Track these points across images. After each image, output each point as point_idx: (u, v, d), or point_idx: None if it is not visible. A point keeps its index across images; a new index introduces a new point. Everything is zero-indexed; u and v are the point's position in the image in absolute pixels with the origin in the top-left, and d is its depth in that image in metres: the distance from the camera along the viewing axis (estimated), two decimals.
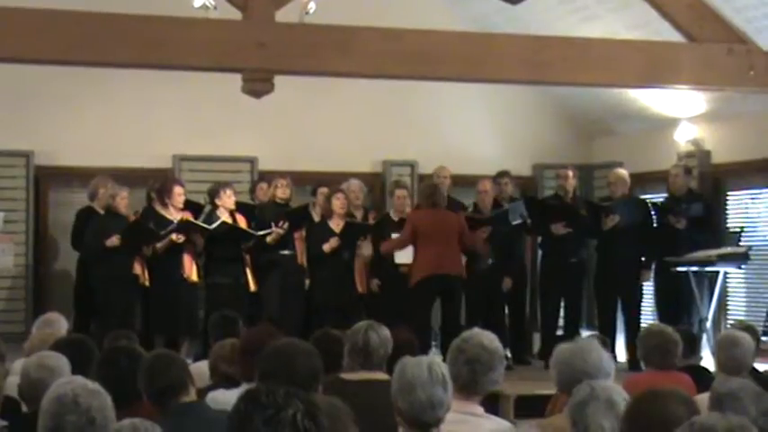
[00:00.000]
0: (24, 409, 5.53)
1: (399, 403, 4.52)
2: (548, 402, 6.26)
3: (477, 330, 5.28)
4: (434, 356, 4.86)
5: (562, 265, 12.41)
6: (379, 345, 5.96)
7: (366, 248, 11.96)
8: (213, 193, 11.84)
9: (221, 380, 6.43)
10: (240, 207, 12.03)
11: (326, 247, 11.65)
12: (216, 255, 11.71)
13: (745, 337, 6.71)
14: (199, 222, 11.59)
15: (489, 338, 5.18)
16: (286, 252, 11.91)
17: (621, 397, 4.35)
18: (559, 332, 12.53)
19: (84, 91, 12.75)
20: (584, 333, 11.61)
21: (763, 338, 8.18)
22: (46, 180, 13.11)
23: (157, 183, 12.00)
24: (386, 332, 6.06)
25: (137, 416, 4.17)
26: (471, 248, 11.66)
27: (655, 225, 12.28)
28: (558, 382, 5.32)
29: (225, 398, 5.53)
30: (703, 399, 5.86)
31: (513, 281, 12.45)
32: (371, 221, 12.23)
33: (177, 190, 11.72)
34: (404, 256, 11.67)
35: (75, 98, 12.86)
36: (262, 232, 11.69)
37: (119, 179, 11.99)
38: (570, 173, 12.66)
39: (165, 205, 11.70)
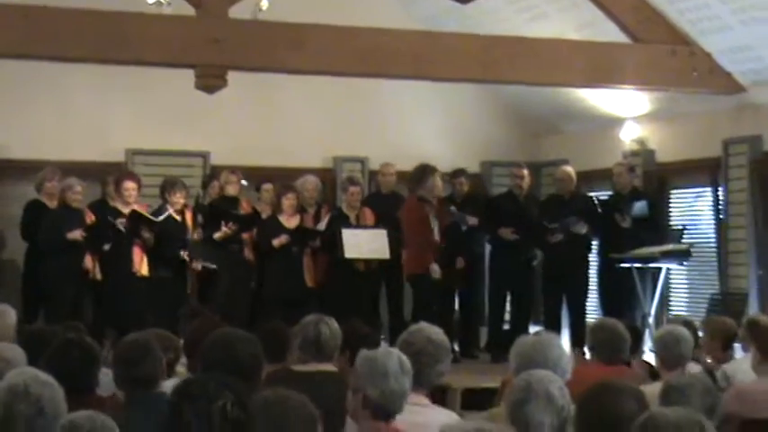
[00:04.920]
0: None
1: (370, 392, 4.53)
2: (494, 396, 6.31)
3: (423, 324, 5.32)
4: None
5: (510, 263, 12.47)
6: (330, 337, 6.00)
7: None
8: (164, 189, 11.88)
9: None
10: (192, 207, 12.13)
11: (276, 243, 11.65)
12: (162, 249, 11.69)
13: (685, 333, 6.78)
14: (147, 215, 11.57)
15: (435, 332, 5.23)
16: (233, 246, 11.91)
17: (559, 389, 4.33)
18: (506, 326, 12.60)
19: (37, 84, 12.66)
20: (532, 328, 11.69)
21: (702, 334, 8.25)
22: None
23: (114, 176, 11.99)
24: (335, 325, 6.10)
25: (88, 408, 4.14)
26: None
27: (601, 222, 12.38)
28: (515, 371, 5.31)
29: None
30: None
31: (466, 264, 12.44)
32: (324, 216, 12.20)
33: (126, 185, 11.63)
34: (355, 251, 11.70)
35: (28, 91, 12.77)
36: (219, 234, 11.71)
37: (71, 172, 11.83)
38: (525, 171, 12.68)
39: (119, 198, 11.72)
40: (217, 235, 11.75)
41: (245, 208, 12.07)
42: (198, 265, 11.78)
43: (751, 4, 10.31)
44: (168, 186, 11.83)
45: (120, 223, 11.41)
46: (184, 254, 11.68)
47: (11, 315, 7.94)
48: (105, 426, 3.93)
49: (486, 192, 14.00)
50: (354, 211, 12.11)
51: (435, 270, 11.56)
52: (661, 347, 6.81)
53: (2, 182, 13.08)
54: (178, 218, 11.76)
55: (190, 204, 12.13)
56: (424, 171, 11.87)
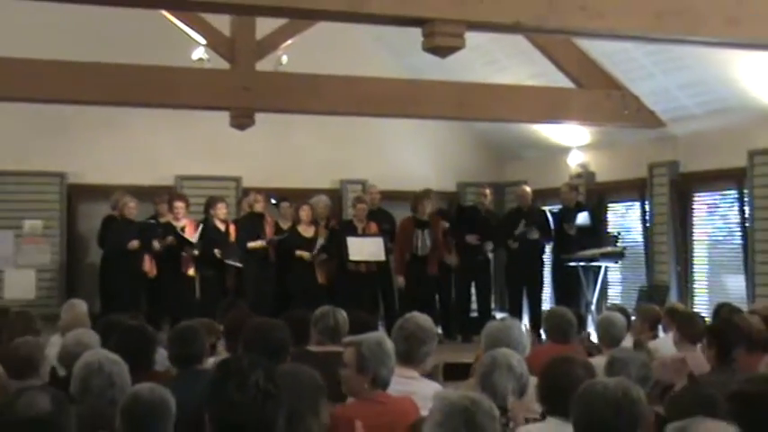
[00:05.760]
0: (62, 373, 5.50)
1: (381, 372, 4.54)
2: (468, 368, 6.32)
3: (415, 313, 5.33)
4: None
5: (472, 262, 12.52)
6: (343, 323, 6.02)
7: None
8: (208, 205, 11.95)
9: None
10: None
11: (298, 254, 11.72)
12: (207, 254, 11.71)
13: (620, 318, 6.81)
14: (188, 238, 11.60)
15: (424, 319, 5.23)
16: (259, 252, 11.95)
17: (518, 361, 4.44)
18: (474, 314, 12.62)
19: (106, 125, 12.67)
20: (498, 315, 11.70)
21: (633, 318, 8.28)
22: (76, 194, 13.04)
23: (166, 197, 12.15)
24: (344, 314, 6.12)
25: (148, 381, 4.17)
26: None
27: (552, 230, 12.42)
28: (485, 349, 5.33)
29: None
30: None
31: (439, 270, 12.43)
32: (334, 227, 12.26)
33: (177, 204, 11.83)
34: (358, 255, 11.72)
35: (99, 130, 12.79)
36: (252, 244, 11.72)
37: (132, 194, 11.99)
38: (488, 191, 12.86)
39: (170, 214, 11.86)
40: (251, 245, 11.77)
41: (268, 222, 12.08)
42: (228, 261, 11.75)
43: (671, 57, 10.35)
44: (212, 202, 11.95)
45: (167, 240, 11.50)
46: (218, 252, 11.67)
47: (82, 306, 7.98)
48: (164, 395, 3.96)
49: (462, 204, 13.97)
50: (362, 224, 12.16)
51: (399, 281, 12.01)
52: (601, 329, 6.85)
53: (81, 202, 13.18)
54: (222, 227, 11.78)
55: (230, 220, 12.15)
56: (417, 196, 12.09)
